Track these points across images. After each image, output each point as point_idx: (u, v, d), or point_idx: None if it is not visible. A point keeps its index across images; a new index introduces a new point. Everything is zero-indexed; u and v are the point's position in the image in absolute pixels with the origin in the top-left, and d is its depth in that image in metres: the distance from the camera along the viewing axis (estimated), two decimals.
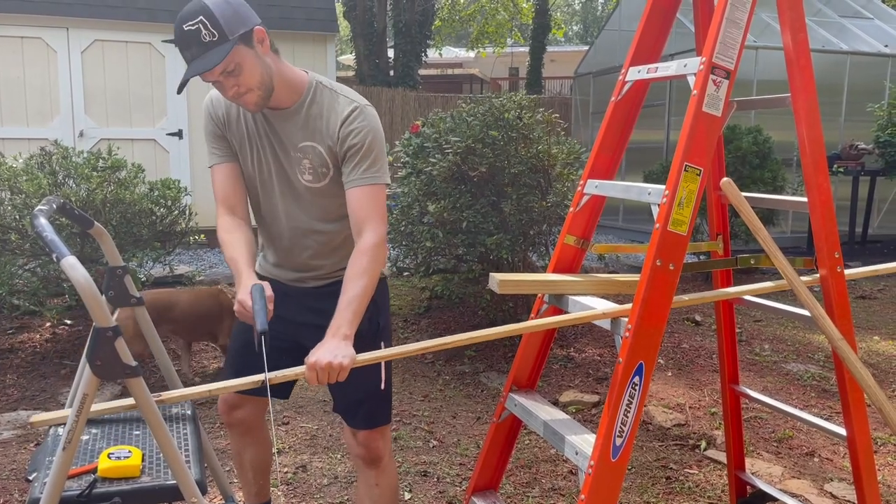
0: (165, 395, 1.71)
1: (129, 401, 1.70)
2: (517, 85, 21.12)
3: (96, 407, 1.70)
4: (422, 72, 16.52)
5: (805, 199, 2.11)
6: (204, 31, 1.77)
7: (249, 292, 1.81)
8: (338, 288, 2.04)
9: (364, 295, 1.85)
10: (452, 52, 25.69)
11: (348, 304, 1.84)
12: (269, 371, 1.79)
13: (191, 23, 1.77)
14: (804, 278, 2.11)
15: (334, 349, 1.77)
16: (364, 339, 2.06)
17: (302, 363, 2.20)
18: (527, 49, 19.31)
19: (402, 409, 3.85)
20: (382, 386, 2.11)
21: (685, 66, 1.94)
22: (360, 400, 2.11)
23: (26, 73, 7.31)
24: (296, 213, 2.05)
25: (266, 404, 2.32)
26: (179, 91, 1.83)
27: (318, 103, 1.97)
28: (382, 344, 2.11)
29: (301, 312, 2.14)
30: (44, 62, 7.35)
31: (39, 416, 1.73)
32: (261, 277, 2.16)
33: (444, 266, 4.76)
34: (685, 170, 1.83)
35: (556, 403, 3.94)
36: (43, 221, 1.48)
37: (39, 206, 1.62)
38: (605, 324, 1.97)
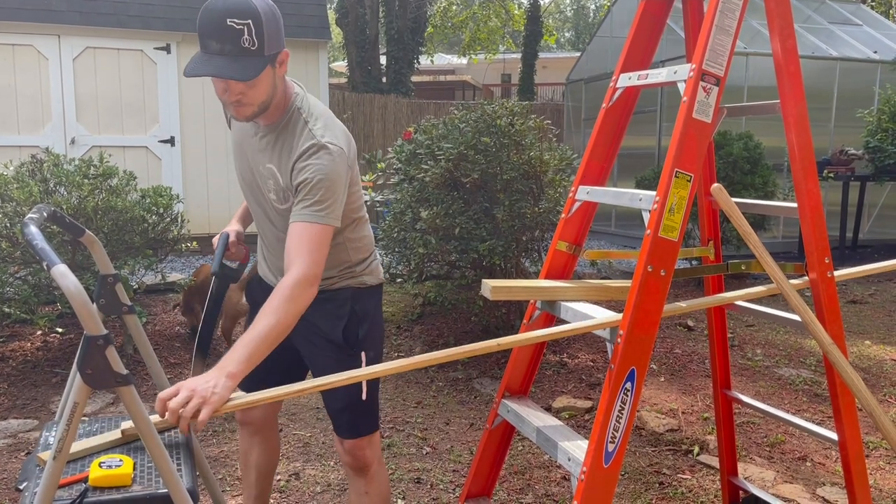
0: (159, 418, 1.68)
1: (116, 434, 1.72)
2: (509, 91, 21.19)
3: (81, 444, 1.70)
4: (414, 78, 16.56)
5: (795, 205, 2.12)
6: (246, 35, 1.71)
7: (219, 237, 2.09)
8: (319, 297, 1.99)
9: (265, 336, 1.66)
10: (445, 59, 25.75)
11: (246, 343, 1.65)
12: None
13: (238, 20, 1.70)
14: (794, 282, 2.12)
15: (207, 380, 1.55)
16: (340, 349, 2.05)
17: (300, 358, 2.17)
18: (519, 55, 19.38)
19: (396, 415, 3.84)
20: (364, 396, 2.06)
21: (675, 72, 1.96)
22: (342, 408, 2.08)
23: (18, 81, 7.28)
24: (269, 219, 2.06)
25: (278, 406, 2.42)
26: (187, 75, 1.76)
27: (288, 131, 1.93)
28: (364, 354, 2.07)
29: None
30: (35, 69, 7.33)
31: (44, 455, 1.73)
32: (260, 281, 2.25)
33: (436, 272, 4.77)
34: (676, 176, 1.84)
35: (549, 409, 3.94)
36: (34, 230, 1.48)
37: (30, 215, 1.62)
38: (598, 330, 1.98)
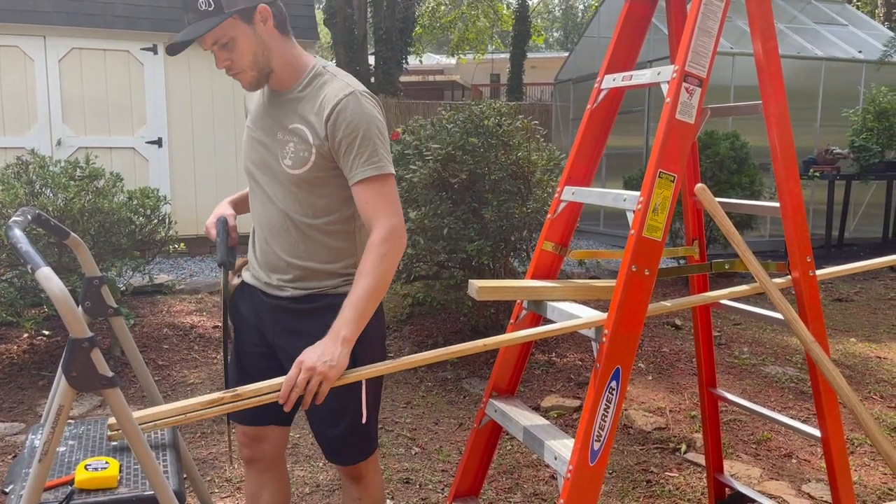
0: (141, 415, 1.67)
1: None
2: (498, 91, 21.22)
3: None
4: (403, 78, 16.56)
5: (777, 205, 2.14)
6: (202, 0, 1.75)
7: (215, 222, 2.04)
8: (319, 304, 1.90)
9: (368, 295, 1.74)
10: (434, 59, 25.76)
11: (350, 303, 1.73)
12: (256, 381, 1.69)
13: None
14: (777, 280, 2.14)
15: (322, 352, 1.65)
16: None
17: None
18: (507, 55, 19.42)
19: (385, 416, 3.85)
20: (364, 419, 1.89)
21: (658, 74, 1.97)
22: (339, 434, 1.95)
23: (3, 82, 7.24)
24: (275, 202, 1.92)
25: (287, 439, 2.16)
26: (171, 53, 1.82)
27: (314, 85, 1.88)
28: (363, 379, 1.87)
29: (278, 333, 1.97)
30: (21, 70, 7.29)
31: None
32: (245, 285, 2.06)
33: (425, 273, 4.77)
34: (659, 176, 1.86)
35: (537, 408, 3.96)
36: (18, 233, 1.48)
37: (14, 217, 1.62)
38: (584, 329, 1.99)
